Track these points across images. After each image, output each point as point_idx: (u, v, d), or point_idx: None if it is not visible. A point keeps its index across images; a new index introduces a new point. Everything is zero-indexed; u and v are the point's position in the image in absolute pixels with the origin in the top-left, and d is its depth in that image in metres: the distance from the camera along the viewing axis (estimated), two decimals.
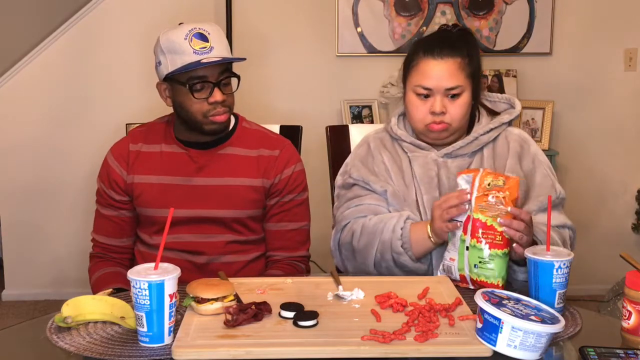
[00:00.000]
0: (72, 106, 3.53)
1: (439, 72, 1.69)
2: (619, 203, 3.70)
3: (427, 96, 1.71)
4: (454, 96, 1.70)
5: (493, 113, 1.82)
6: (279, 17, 3.49)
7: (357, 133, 2.07)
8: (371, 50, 3.55)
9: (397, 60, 3.51)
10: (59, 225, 3.60)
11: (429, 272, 1.69)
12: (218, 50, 1.72)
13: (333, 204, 2.03)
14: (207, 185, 1.80)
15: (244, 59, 1.78)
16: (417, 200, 1.74)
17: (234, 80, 1.80)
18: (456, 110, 1.70)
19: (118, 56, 3.51)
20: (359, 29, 3.53)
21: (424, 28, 3.54)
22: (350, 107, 3.55)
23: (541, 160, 1.76)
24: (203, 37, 1.71)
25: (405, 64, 1.77)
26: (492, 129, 1.76)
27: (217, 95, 1.72)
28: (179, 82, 1.73)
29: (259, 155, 1.84)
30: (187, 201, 1.79)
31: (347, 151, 2.05)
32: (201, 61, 1.68)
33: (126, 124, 2.02)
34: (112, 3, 3.46)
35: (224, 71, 1.75)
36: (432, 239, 1.63)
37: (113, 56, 3.51)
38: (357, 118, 3.55)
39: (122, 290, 1.67)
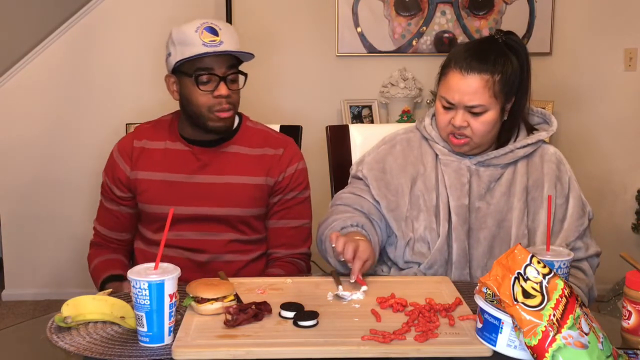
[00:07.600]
0: (72, 106, 3.53)
1: (462, 88, 1.64)
2: (619, 203, 3.70)
3: (450, 108, 1.68)
4: (476, 113, 1.65)
5: (526, 125, 1.79)
6: (279, 17, 3.49)
7: (357, 133, 2.07)
8: (371, 50, 3.55)
9: (397, 60, 3.57)
10: (59, 226, 3.60)
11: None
12: (228, 45, 1.72)
13: None
14: (210, 183, 1.80)
15: (252, 54, 1.77)
16: (437, 204, 1.71)
17: (241, 79, 1.80)
18: (477, 126, 1.66)
19: (118, 56, 3.51)
20: (359, 29, 3.53)
21: (424, 28, 3.54)
22: (350, 107, 3.55)
23: (575, 183, 1.77)
24: (213, 31, 1.72)
25: (440, 68, 1.72)
26: (529, 144, 1.74)
27: (222, 89, 1.72)
28: (186, 74, 1.74)
29: (263, 154, 1.85)
30: (190, 199, 1.79)
31: (347, 151, 2.05)
32: (208, 52, 1.69)
33: (126, 124, 2.02)
34: (112, 3, 3.46)
35: (232, 67, 1.75)
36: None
37: (113, 56, 3.51)
38: (357, 118, 3.55)
39: (119, 278, 1.71)
